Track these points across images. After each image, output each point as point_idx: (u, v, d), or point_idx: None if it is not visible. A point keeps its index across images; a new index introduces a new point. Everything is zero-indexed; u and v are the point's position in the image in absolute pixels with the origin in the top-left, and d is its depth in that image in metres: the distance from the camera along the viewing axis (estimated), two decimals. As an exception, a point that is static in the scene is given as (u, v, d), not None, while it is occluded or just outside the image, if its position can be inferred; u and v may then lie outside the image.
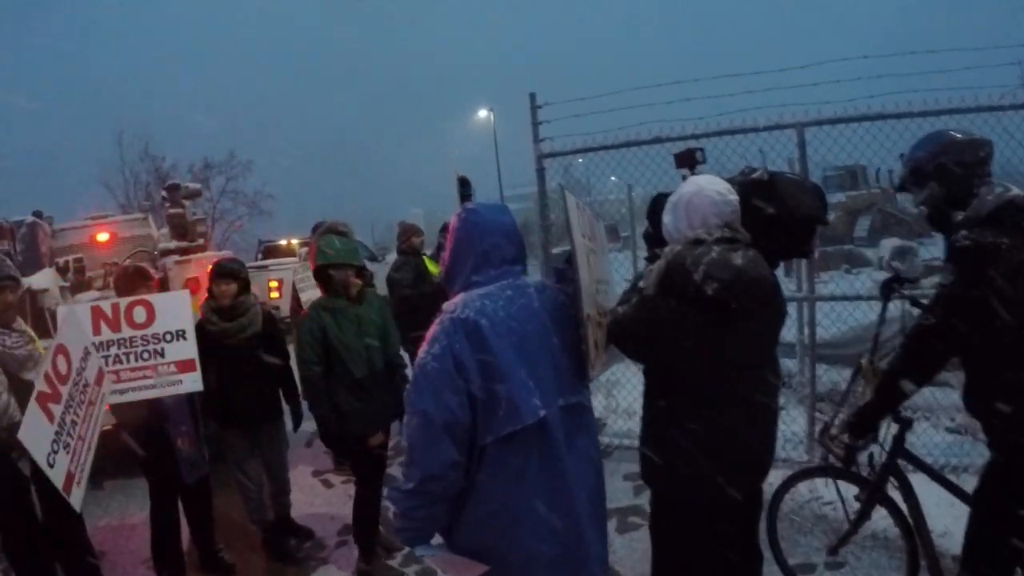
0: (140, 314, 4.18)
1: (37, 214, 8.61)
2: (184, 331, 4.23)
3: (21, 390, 3.61)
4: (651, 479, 2.68)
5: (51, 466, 3.04)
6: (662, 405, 2.56)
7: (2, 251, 6.35)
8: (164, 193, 7.92)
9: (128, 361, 4.11)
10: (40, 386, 3.13)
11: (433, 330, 2.21)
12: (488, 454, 2.16)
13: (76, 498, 3.20)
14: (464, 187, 7.30)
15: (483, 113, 37.60)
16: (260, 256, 18.28)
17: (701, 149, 4.81)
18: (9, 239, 6.75)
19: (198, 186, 8.56)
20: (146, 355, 4.15)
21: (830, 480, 3.70)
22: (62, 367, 3.37)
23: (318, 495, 5.85)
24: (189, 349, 4.22)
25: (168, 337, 4.19)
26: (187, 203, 7.79)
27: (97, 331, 4.05)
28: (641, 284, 2.54)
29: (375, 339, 4.39)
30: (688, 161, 4.67)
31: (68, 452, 3.20)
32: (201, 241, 7.72)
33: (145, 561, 4.69)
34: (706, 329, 2.36)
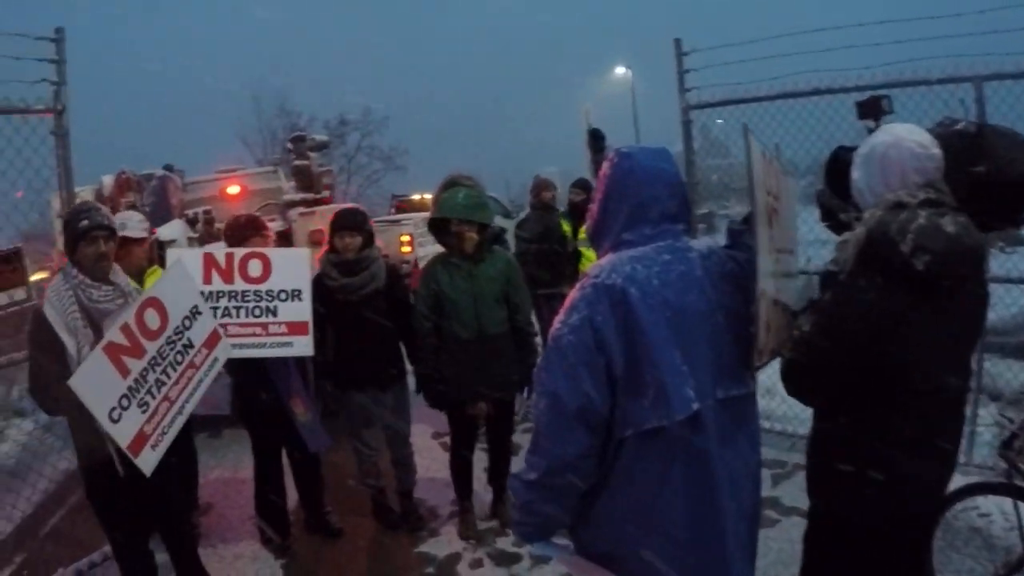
0: (255, 267, 3.90)
1: (168, 167, 8.59)
2: (300, 291, 3.92)
3: None
4: (823, 494, 2.21)
5: (114, 421, 2.80)
6: (849, 413, 2.07)
7: (128, 203, 6.36)
8: (289, 145, 7.73)
9: (238, 315, 3.84)
10: (114, 337, 2.88)
11: (572, 297, 1.90)
12: (626, 449, 1.85)
13: (146, 461, 2.94)
14: (597, 139, 6.58)
15: (621, 70, 36.13)
16: (393, 210, 18.31)
17: (887, 97, 4.27)
18: (136, 191, 6.72)
19: (325, 138, 8.40)
20: (257, 312, 3.87)
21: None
22: (152, 322, 3.09)
23: (436, 459, 5.52)
24: (303, 311, 3.92)
25: (283, 296, 3.90)
26: (313, 155, 7.58)
27: (208, 280, 3.80)
28: (828, 263, 2.09)
29: (492, 301, 4.11)
30: (873, 111, 4.21)
31: (145, 411, 2.97)
32: (327, 193, 7.53)
33: (252, 517, 4.57)
34: (910, 312, 1.91)
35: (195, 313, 3.39)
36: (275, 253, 3.99)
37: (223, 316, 3.77)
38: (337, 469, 5.04)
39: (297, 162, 7.40)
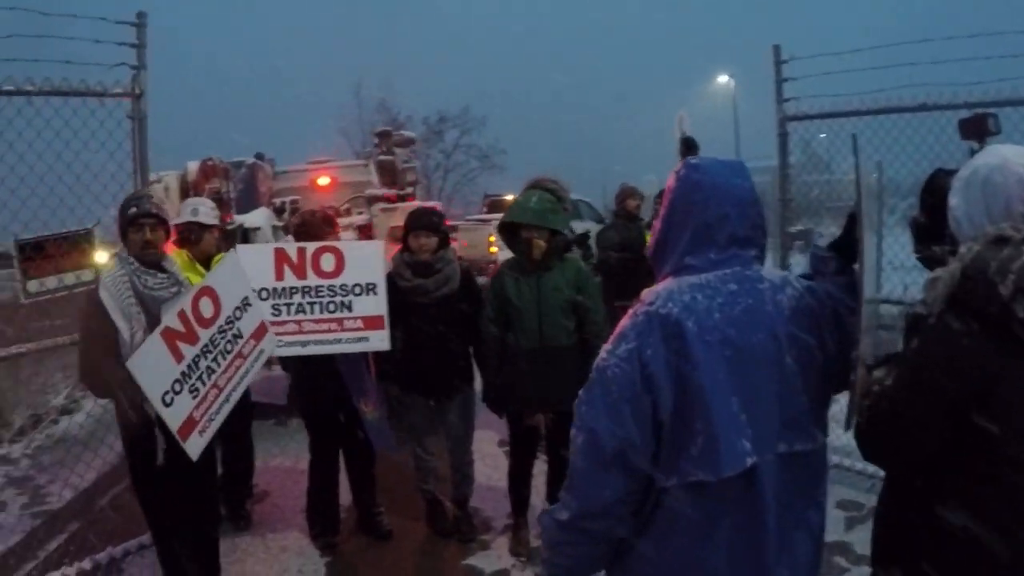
0: (328, 262, 3.88)
1: (259, 156, 8.78)
2: (375, 285, 3.89)
3: None
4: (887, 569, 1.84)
5: (166, 404, 2.85)
6: (929, 478, 1.69)
7: (212, 190, 6.44)
8: (375, 139, 7.75)
9: (312, 312, 3.84)
10: (171, 322, 2.94)
11: (623, 324, 1.74)
12: (668, 499, 1.67)
13: (194, 446, 2.97)
14: (690, 148, 6.35)
15: (723, 79, 35.33)
16: (484, 209, 18.31)
17: (994, 116, 3.94)
18: (222, 178, 6.77)
19: (412, 134, 8.41)
20: (332, 307, 3.86)
21: None
22: (206, 310, 3.14)
23: (499, 467, 5.34)
24: (379, 304, 3.88)
25: (357, 290, 3.88)
26: (399, 151, 7.58)
27: (280, 276, 3.80)
28: (916, 304, 1.72)
29: (557, 311, 3.95)
30: (977, 130, 3.88)
31: (195, 397, 3.00)
32: (411, 190, 7.47)
33: (305, 510, 4.54)
34: (1008, 367, 1.56)
35: (246, 304, 3.41)
36: (348, 247, 3.97)
37: (297, 313, 3.77)
38: (394, 470, 4.99)
39: (382, 157, 7.42)
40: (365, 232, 7.04)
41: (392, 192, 7.41)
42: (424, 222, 4.20)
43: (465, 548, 4.33)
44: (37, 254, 3.90)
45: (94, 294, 3.13)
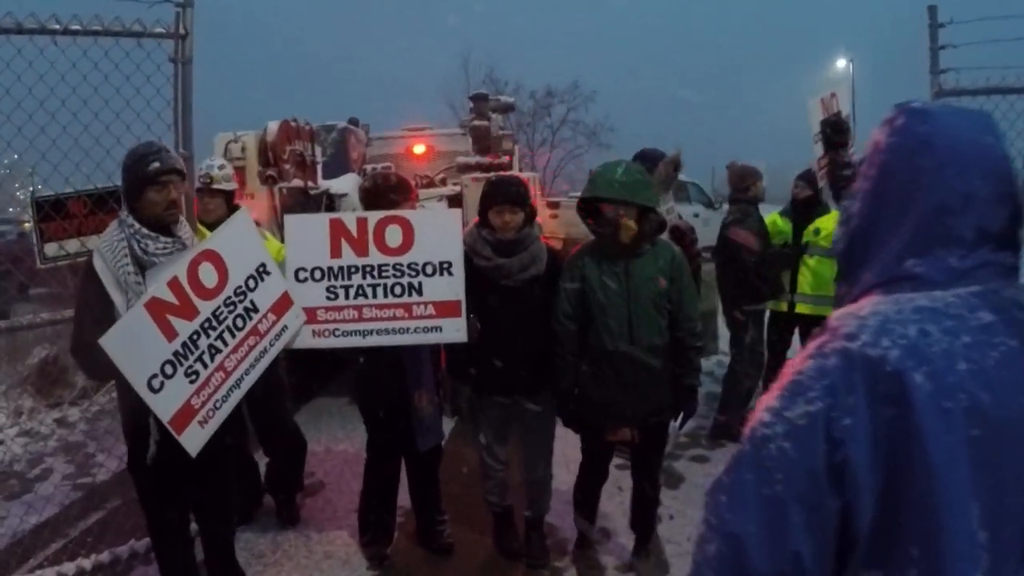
0: (394, 235, 3.29)
1: (352, 121, 8.52)
2: (451, 264, 3.27)
3: None
4: None
5: (154, 390, 2.48)
6: None
7: (294, 152, 6.11)
8: (470, 104, 7.22)
9: (374, 295, 3.26)
10: (159, 292, 2.56)
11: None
12: None
13: (193, 439, 2.58)
14: (839, 133, 5.38)
15: (841, 63, 33.25)
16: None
17: None
18: (307, 139, 6.42)
19: (511, 100, 7.81)
20: (398, 290, 3.27)
21: None
22: (208, 278, 2.73)
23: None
24: (455, 287, 3.26)
25: (429, 269, 3.26)
26: (496, 116, 7.02)
27: (336, 252, 3.26)
28: None
29: (650, 305, 3.36)
30: None
31: (194, 382, 2.61)
32: (506, 159, 6.92)
33: (358, 513, 4.06)
34: None
35: (262, 272, 2.95)
36: (418, 217, 3.38)
37: (356, 297, 3.24)
38: (461, 477, 4.50)
39: (476, 122, 6.87)
40: (453, 204, 6.56)
41: (485, 160, 6.81)
42: (508, 194, 3.55)
43: (535, 574, 3.77)
44: (57, 213, 3.50)
45: (87, 263, 2.72)
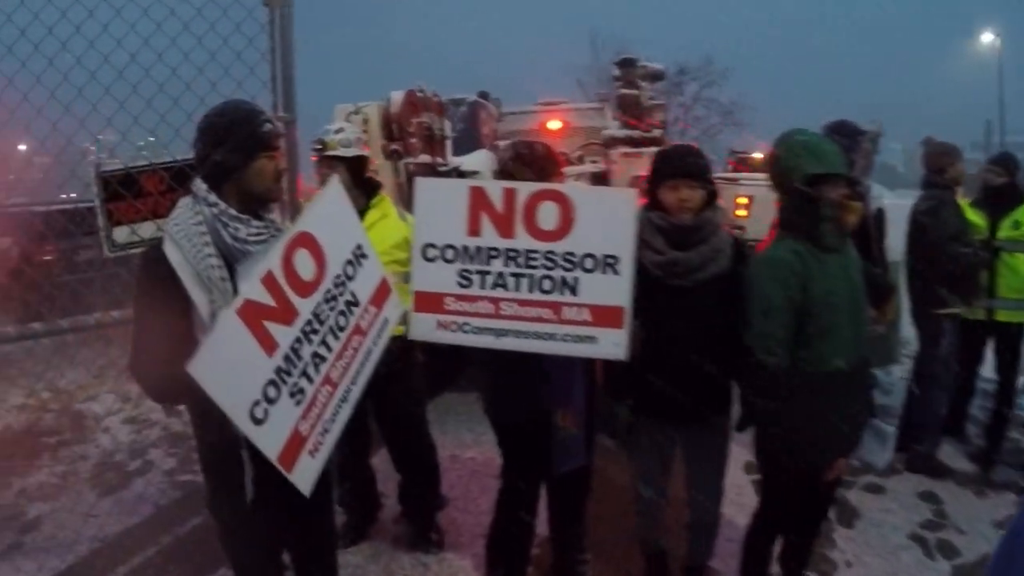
0: (549, 215, 2.55)
1: (483, 94, 8.07)
2: (617, 260, 2.54)
3: None
4: None
5: (257, 421, 1.92)
6: None
7: (421, 125, 5.61)
8: (616, 70, 6.53)
9: (518, 288, 2.57)
10: (253, 294, 1.97)
11: None
12: None
13: (305, 475, 2.06)
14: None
15: (988, 37, 30.35)
16: (730, 168, 16.94)
17: None
18: (435, 112, 5.95)
19: (660, 66, 6.99)
20: (548, 285, 2.56)
21: None
22: (305, 269, 2.14)
23: (744, 504, 3.91)
24: (619, 290, 2.54)
25: (589, 263, 2.54)
26: (645, 84, 6.29)
27: (475, 230, 2.57)
28: None
29: (865, 307, 2.90)
30: None
31: (299, 403, 2.07)
32: (658, 132, 6.36)
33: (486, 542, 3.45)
34: None
35: (359, 256, 2.37)
36: (583, 195, 2.63)
37: (494, 287, 2.56)
38: (609, 512, 3.84)
39: (624, 91, 6.15)
40: (598, 182, 5.88)
41: (636, 133, 6.09)
42: (687, 166, 2.87)
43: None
44: (128, 191, 2.91)
45: (155, 251, 2.10)
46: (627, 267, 2.54)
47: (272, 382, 1.98)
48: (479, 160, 6.16)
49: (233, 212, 2.11)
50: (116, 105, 2.75)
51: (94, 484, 4.64)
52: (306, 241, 2.15)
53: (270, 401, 1.96)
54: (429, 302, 2.59)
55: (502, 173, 3.00)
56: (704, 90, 30.03)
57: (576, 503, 3.29)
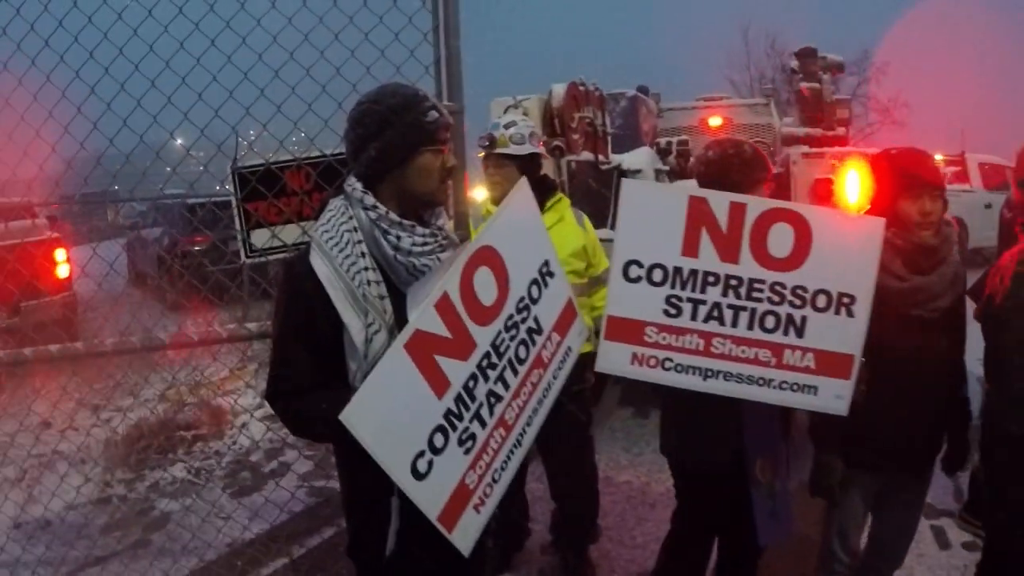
0: (782, 240, 2.14)
1: (642, 89, 7.75)
2: (854, 300, 2.14)
3: None
4: None
5: (419, 476, 1.64)
6: None
7: (583, 120, 5.38)
8: (794, 63, 6.11)
9: (734, 323, 2.17)
10: (425, 323, 1.66)
11: None
12: None
13: (465, 534, 1.74)
14: None
15: None
16: None
17: None
18: (597, 106, 5.72)
19: (840, 59, 6.44)
20: (771, 322, 2.16)
21: None
22: (485, 292, 1.80)
23: (924, 559, 3.41)
24: (852, 336, 2.16)
25: (821, 301, 2.14)
26: (826, 78, 5.84)
27: (692, 249, 2.16)
28: None
29: None
30: None
31: (469, 451, 1.75)
32: (842, 131, 5.99)
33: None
34: None
35: (545, 274, 1.99)
36: (823, 218, 2.19)
37: (708, 320, 2.17)
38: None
39: (805, 84, 5.65)
40: (775, 188, 5.39)
41: (817, 131, 5.71)
42: (929, 174, 2.45)
43: None
44: (268, 190, 2.61)
45: (300, 262, 1.79)
46: (864, 310, 2.13)
47: (440, 428, 1.68)
48: (641, 158, 5.88)
49: (395, 217, 1.78)
50: (251, 91, 2.47)
51: (227, 484, 4.58)
52: (488, 258, 1.81)
53: (436, 451, 1.66)
54: (626, 330, 2.20)
55: (703, 174, 2.59)
56: (861, 86, 28.43)
57: (749, 565, 2.87)
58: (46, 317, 6.21)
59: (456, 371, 1.71)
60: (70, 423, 4.46)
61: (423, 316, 1.65)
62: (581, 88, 5.43)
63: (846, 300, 2.11)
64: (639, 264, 2.18)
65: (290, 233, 2.78)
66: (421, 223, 1.84)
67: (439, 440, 1.67)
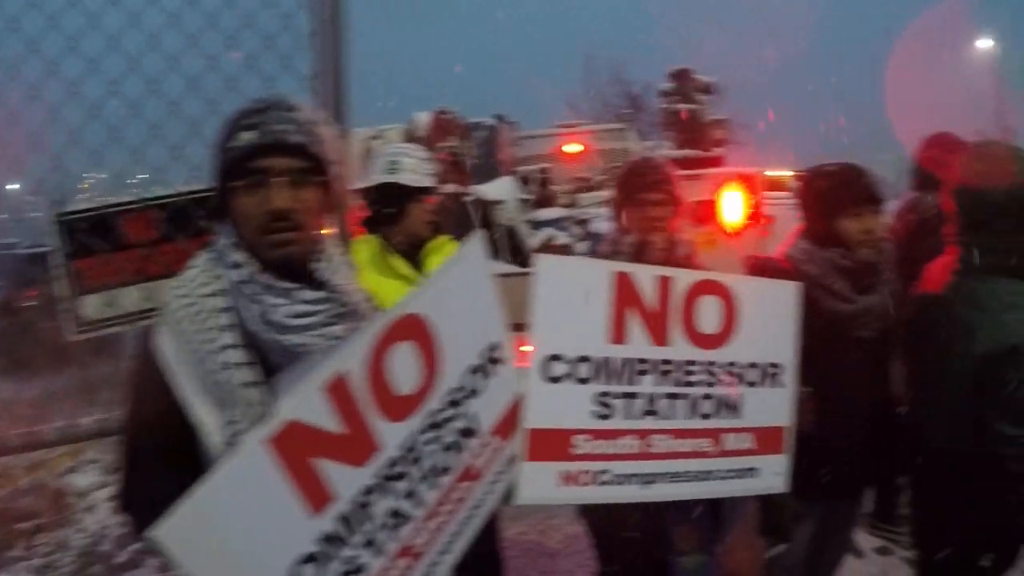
0: (711, 313, 1.87)
1: (499, 117, 7.75)
2: (781, 368, 1.99)
3: None
4: None
5: None
6: None
7: (448, 150, 5.32)
8: (668, 84, 6.08)
9: (671, 414, 1.83)
10: (301, 412, 1.26)
11: None
12: None
13: None
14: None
15: (985, 44, 29.94)
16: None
17: None
18: (460, 136, 5.68)
19: (712, 79, 6.57)
20: (709, 407, 1.88)
21: None
22: (404, 376, 1.41)
23: (842, 570, 3.19)
24: (783, 405, 1.99)
25: (753, 375, 1.94)
26: (702, 98, 5.99)
27: (620, 335, 1.76)
28: None
29: None
30: None
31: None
32: (718, 151, 5.87)
33: None
34: None
35: (492, 360, 1.59)
36: (746, 286, 1.95)
37: (643, 415, 1.80)
38: None
39: (683, 105, 5.63)
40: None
41: (693, 153, 5.78)
42: (868, 189, 2.44)
43: None
44: (102, 240, 2.03)
45: (147, 340, 1.42)
46: (791, 377, 1.99)
47: (312, 557, 1.26)
48: (502, 189, 5.78)
49: (267, 279, 1.37)
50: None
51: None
52: (414, 331, 1.41)
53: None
54: (551, 445, 1.71)
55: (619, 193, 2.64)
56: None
57: None
58: None
59: (345, 480, 1.32)
60: None
61: (299, 403, 1.26)
62: (446, 116, 5.19)
63: (772, 370, 1.95)
64: (562, 359, 1.71)
65: (128, 299, 2.16)
66: (310, 279, 1.41)
67: (308, 574, 1.25)
